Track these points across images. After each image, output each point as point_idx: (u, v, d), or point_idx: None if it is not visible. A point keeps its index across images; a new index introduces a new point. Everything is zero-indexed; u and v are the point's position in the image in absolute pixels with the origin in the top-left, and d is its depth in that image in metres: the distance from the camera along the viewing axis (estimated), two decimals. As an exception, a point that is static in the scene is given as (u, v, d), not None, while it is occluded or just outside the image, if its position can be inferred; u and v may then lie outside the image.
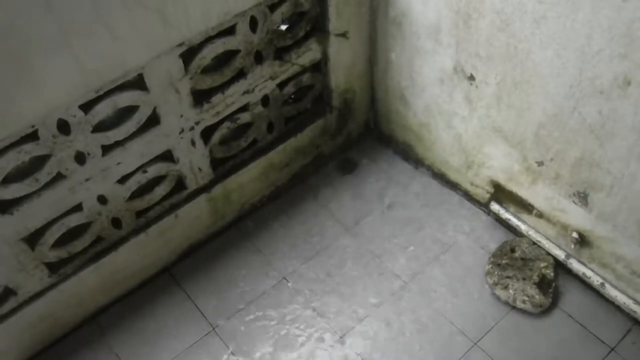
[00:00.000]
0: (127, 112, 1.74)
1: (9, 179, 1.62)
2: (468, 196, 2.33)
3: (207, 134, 2.00)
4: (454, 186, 2.37)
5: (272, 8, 1.87)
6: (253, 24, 1.85)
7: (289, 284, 2.15)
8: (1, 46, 1.36)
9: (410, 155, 2.47)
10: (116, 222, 1.97)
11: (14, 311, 1.88)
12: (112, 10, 1.47)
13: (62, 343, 2.06)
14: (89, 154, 1.73)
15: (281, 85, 2.11)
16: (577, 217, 1.94)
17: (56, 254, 1.88)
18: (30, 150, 1.60)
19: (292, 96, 2.21)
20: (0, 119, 1.47)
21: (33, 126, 1.56)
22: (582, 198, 1.87)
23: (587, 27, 1.52)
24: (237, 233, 2.31)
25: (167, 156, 1.94)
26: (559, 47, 1.62)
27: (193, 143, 1.96)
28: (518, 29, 1.69)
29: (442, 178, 2.39)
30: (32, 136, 1.58)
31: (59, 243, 1.86)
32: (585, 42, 1.54)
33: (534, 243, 2.13)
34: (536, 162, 1.94)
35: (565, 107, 1.71)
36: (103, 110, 1.67)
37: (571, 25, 1.55)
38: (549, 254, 2.10)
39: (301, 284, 2.15)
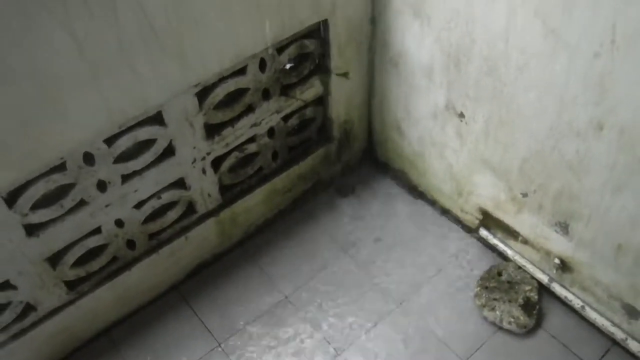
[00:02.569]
0: (146, 144, 1.90)
1: (36, 205, 1.77)
2: (459, 222, 2.49)
3: (217, 162, 2.16)
4: (445, 212, 2.52)
5: (280, 50, 2.04)
6: (262, 64, 2.01)
7: (291, 303, 2.30)
8: (37, 86, 1.51)
9: (405, 182, 2.63)
10: (131, 244, 2.12)
11: (33, 325, 2.01)
12: (137, 55, 1.63)
13: (76, 355, 2.19)
14: (109, 182, 1.88)
15: (286, 118, 2.27)
16: (558, 244, 2.09)
17: (75, 273, 2.02)
18: (58, 180, 1.75)
19: (296, 127, 2.37)
20: (34, 152, 1.63)
21: (62, 158, 1.71)
22: (563, 227, 2.03)
23: (564, 76, 1.68)
24: (242, 253, 2.46)
25: (180, 183, 2.09)
26: (540, 92, 1.79)
27: (204, 171, 2.12)
28: (503, 74, 1.86)
29: (434, 204, 2.55)
30: (61, 167, 1.73)
31: (78, 263, 2.00)
32: (563, 89, 1.71)
33: (520, 267, 2.29)
34: (521, 193, 2.10)
35: (546, 144, 1.88)
36: (124, 143, 1.82)
37: (550, 74, 1.72)
38: (533, 277, 2.25)
39: (302, 302, 2.29)
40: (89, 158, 1.78)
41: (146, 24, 1.59)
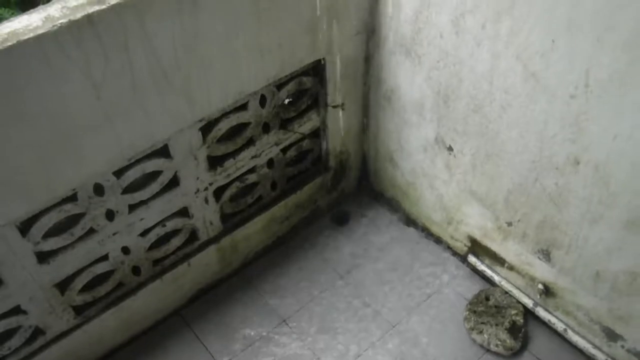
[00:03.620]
0: (152, 175, 2.01)
1: (48, 233, 1.87)
2: (449, 248, 2.60)
3: (218, 192, 2.27)
4: (436, 239, 2.64)
5: (280, 87, 2.16)
6: (263, 100, 2.14)
7: (288, 326, 2.39)
8: (55, 126, 1.63)
9: (397, 210, 2.75)
10: (136, 270, 2.22)
11: (42, 349, 2.09)
12: (148, 96, 1.76)
13: (82, 378, 2.29)
14: (117, 212, 1.99)
15: (284, 150, 2.39)
16: (542, 270, 2.20)
17: (82, 298, 2.12)
18: (69, 210, 1.86)
19: (294, 158, 2.49)
20: (49, 185, 1.74)
21: (74, 189, 1.82)
22: (546, 254, 2.14)
23: (543, 115, 1.82)
24: (242, 279, 2.56)
25: (183, 212, 2.20)
26: (522, 130, 1.91)
27: (206, 201, 2.23)
28: (488, 112, 1.99)
29: (426, 231, 2.67)
30: (72, 198, 1.84)
31: (86, 288, 2.10)
32: (543, 127, 1.84)
33: (506, 292, 2.40)
34: (506, 222, 2.22)
35: (528, 178, 2.00)
36: (132, 175, 1.94)
37: (531, 113, 1.85)
38: (519, 302, 2.36)
39: (299, 326, 2.39)
40: (99, 189, 1.89)
41: (157, 67, 1.71)
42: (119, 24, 1.58)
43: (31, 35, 1.47)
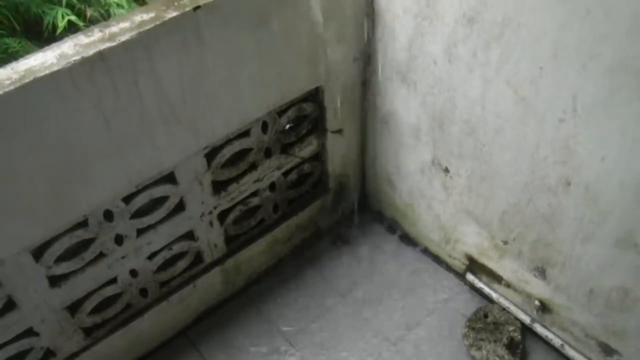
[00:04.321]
0: (159, 200, 2.09)
1: (60, 258, 1.94)
2: (447, 267, 2.66)
3: (222, 215, 2.34)
4: (435, 258, 2.70)
5: (280, 114, 2.25)
6: (264, 127, 2.22)
7: (291, 345, 2.45)
8: (68, 156, 1.71)
9: (396, 230, 2.82)
10: (143, 292, 2.29)
11: (52, 370, 2.18)
12: (156, 128, 1.84)
13: (91, 398, 2.35)
14: (126, 236, 2.06)
15: (286, 174, 2.47)
16: (538, 287, 2.27)
17: (92, 320, 2.18)
18: (80, 235, 1.93)
19: (295, 181, 2.56)
20: (62, 211, 1.82)
21: (85, 216, 1.90)
22: (541, 272, 2.21)
23: (534, 139, 1.90)
24: (246, 299, 2.62)
25: (189, 235, 2.27)
26: (514, 152, 1.99)
27: (211, 224, 2.30)
28: (482, 135, 2.07)
29: (424, 251, 2.73)
30: (83, 223, 1.92)
31: (95, 310, 2.17)
32: (534, 150, 1.92)
33: (504, 309, 2.46)
34: (502, 241, 2.29)
35: (522, 198, 2.08)
36: (140, 200, 2.01)
37: (523, 136, 1.93)
38: (516, 318, 2.42)
39: (302, 345, 2.45)
40: (108, 215, 1.97)
41: (164, 100, 1.80)
42: (128, 60, 1.67)
43: (47, 72, 1.56)
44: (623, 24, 1.51)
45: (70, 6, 3.99)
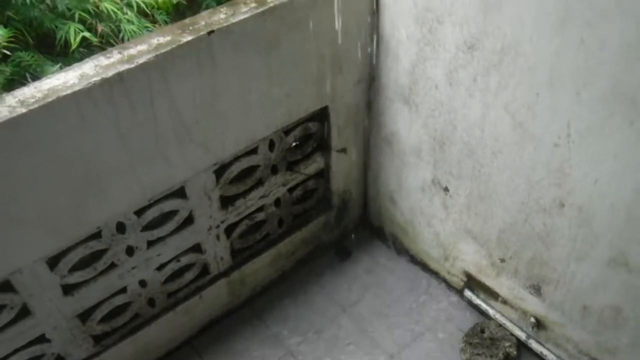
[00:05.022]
0: (169, 214, 2.17)
1: (74, 268, 2.02)
2: (446, 283, 2.74)
3: (229, 229, 2.42)
4: (434, 274, 2.78)
5: (287, 132, 2.34)
6: (271, 145, 2.31)
7: (294, 356, 2.52)
8: (85, 170, 1.80)
9: (397, 246, 2.90)
10: (151, 302, 2.36)
11: (62, 376, 2.25)
12: (169, 145, 1.93)
13: (98, 405, 2.41)
14: (137, 248, 2.15)
15: (291, 190, 2.55)
16: (533, 304, 2.34)
17: (101, 328, 2.26)
18: (93, 246, 2.02)
19: (299, 197, 2.65)
20: (77, 223, 1.90)
21: (98, 227, 1.98)
22: (536, 289, 2.28)
23: (530, 161, 1.98)
24: (250, 311, 2.70)
25: (197, 248, 2.35)
26: (511, 174, 2.08)
27: (218, 237, 2.38)
28: (480, 156, 2.15)
29: (424, 266, 2.81)
30: (97, 235, 2.00)
31: (105, 319, 2.24)
32: (531, 172, 2.00)
33: (500, 325, 2.53)
34: (499, 259, 2.36)
35: (518, 218, 2.16)
36: (152, 214, 2.10)
37: (519, 159, 2.01)
38: (512, 334, 2.49)
39: (304, 356, 2.52)
40: (121, 227, 2.05)
41: (178, 119, 1.89)
42: (145, 81, 1.76)
43: (68, 92, 1.65)
44: (615, 54, 1.60)
45: (82, 21, 4.08)
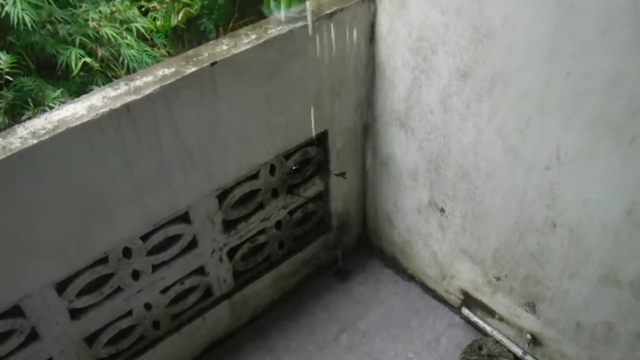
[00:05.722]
0: (174, 238, 2.23)
1: (81, 292, 2.08)
2: (444, 301, 2.80)
3: (231, 252, 2.48)
4: (432, 292, 2.84)
5: (287, 157, 2.41)
6: (272, 169, 2.38)
7: (295, 376, 2.58)
8: (93, 198, 1.86)
9: (395, 265, 2.96)
10: (156, 324, 2.41)
11: (67, 398, 2.29)
12: (173, 172, 2.00)
13: None
14: (142, 271, 2.20)
15: (291, 212, 2.62)
16: (529, 321, 2.40)
17: (107, 351, 2.30)
18: (101, 271, 2.07)
19: (300, 219, 2.71)
20: (86, 249, 1.96)
21: (105, 253, 2.04)
22: (531, 307, 2.34)
23: (522, 184, 2.05)
24: (252, 331, 2.74)
25: (200, 271, 2.41)
26: (505, 195, 2.15)
27: (221, 260, 2.44)
28: (475, 179, 2.22)
29: (422, 285, 2.87)
30: (104, 260, 2.06)
31: (111, 341, 2.29)
32: (523, 194, 2.08)
33: (498, 342, 2.58)
34: (495, 277, 2.43)
35: (512, 238, 2.23)
36: (157, 239, 2.16)
37: (512, 181, 2.08)
38: (509, 351, 2.55)
39: (305, 376, 2.58)
40: (127, 252, 2.11)
41: (182, 147, 1.96)
42: (151, 111, 1.84)
43: (78, 123, 1.72)
44: (600, 83, 1.68)
45: (82, 45, 4.16)
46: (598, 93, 1.69)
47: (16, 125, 1.75)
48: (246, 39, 2.01)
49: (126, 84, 1.86)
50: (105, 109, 1.76)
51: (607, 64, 1.63)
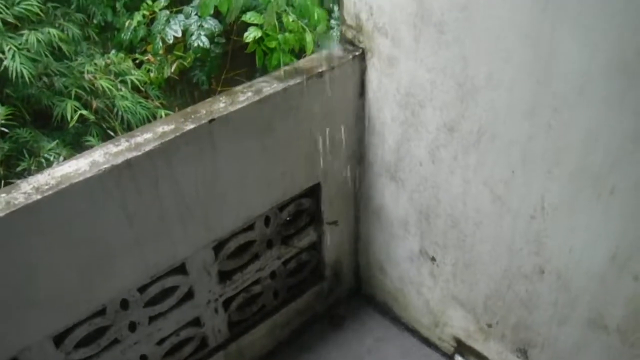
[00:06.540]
0: (170, 289, 2.27)
1: (78, 344, 2.10)
2: (437, 349, 2.82)
3: (227, 302, 2.51)
4: (425, 340, 2.86)
5: (281, 209, 2.47)
6: (267, 221, 2.44)
7: None
8: (93, 250, 1.91)
9: (388, 313, 2.99)
10: (151, 376, 2.43)
11: None
12: (172, 224, 2.05)
13: None
14: (139, 323, 2.23)
15: (285, 262, 2.66)
16: (522, 368, 2.44)
17: (103, 404, 2.31)
18: (98, 322, 2.10)
19: (293, 269, 2.76)
20: (84, 300, 1.99)
21: (103, 305, 2.07)
22: (523, 353, 2.38)
23: (510, 232, 2.12)
24: (247, 382, 2.76)
25: (195, 322, 2.43)
26: (494, 244, 2.22)
27: (216, 310, 2.47)
28: (464, 227, 2.29)
29: (415, 333, 2.90)
30: (102, 312, 2.09)
31: (106, 394, 2.31)
32: (511, 242, 2.14)
33: (491, 389, 2.61)
34: (486, 324, 2.47)
35: (502, 285, 2.28)
36: (154, 290, 2.19)
37: (500, 229, 2.16)
38: (503, 398, 2.58)
39: None
40: (124, 304, 2.14)
41: (181, 201, 2.02)
42: (151, 167, 1.90)
43: (80, 178, 1.77)
44: (579, 137, 1.77)
45: (78, 97, 4.25)
46: (578, 145, 1.79)
47: (20, 181, 1.80)
48: (243, 96, 2.10)
49: (127, 141, 1.93)
50: (107, 165, 1.82)
51: (585, 117, 1.72)
